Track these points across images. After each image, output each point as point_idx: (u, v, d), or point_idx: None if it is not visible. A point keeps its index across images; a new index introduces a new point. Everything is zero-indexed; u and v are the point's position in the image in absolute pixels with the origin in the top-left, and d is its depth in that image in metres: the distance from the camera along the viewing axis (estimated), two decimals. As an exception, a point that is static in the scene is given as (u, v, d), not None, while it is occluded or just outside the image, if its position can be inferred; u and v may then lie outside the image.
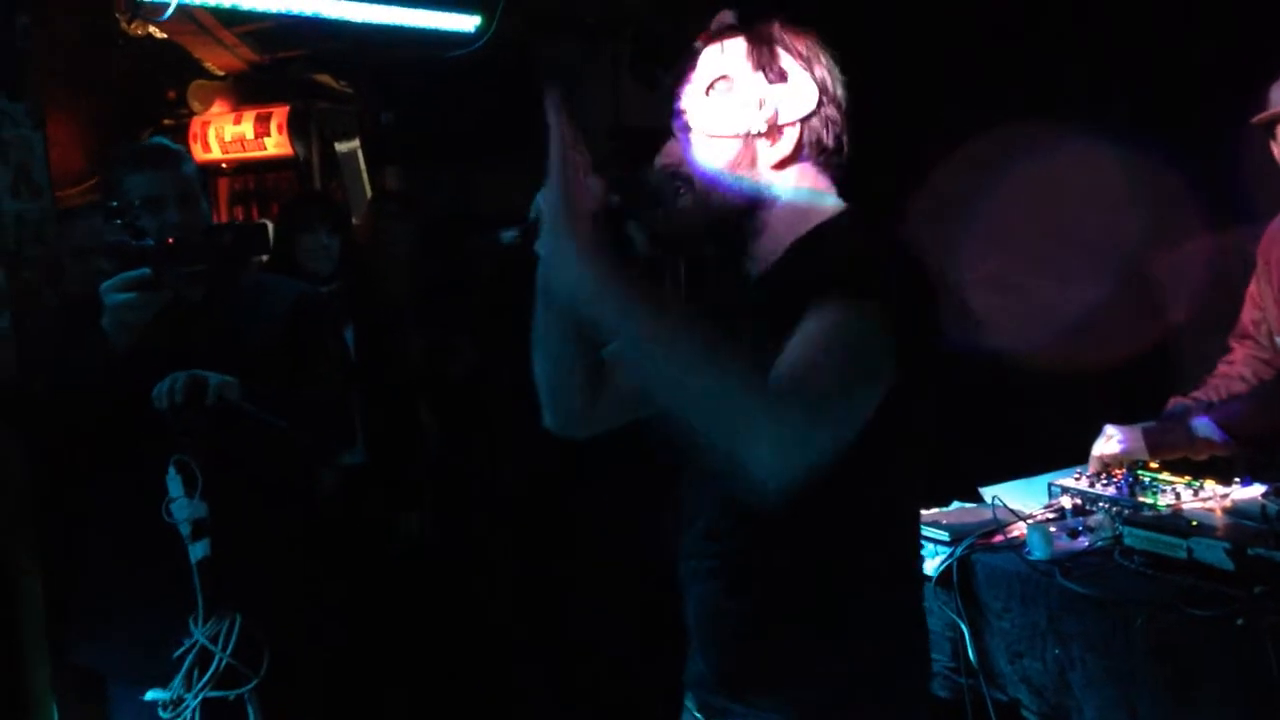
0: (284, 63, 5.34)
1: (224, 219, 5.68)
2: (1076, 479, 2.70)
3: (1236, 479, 2.53)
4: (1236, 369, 2.89)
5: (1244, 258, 3.00)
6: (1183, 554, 2.19)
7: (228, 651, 2.23)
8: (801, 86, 1.66)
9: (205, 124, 5.50)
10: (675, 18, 5.00)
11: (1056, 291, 3.79)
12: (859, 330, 1.46)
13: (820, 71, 1.67)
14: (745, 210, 1.68)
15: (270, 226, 2.80)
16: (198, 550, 2.22)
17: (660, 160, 1.72)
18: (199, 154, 5.55)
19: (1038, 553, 2.41)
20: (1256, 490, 2.43)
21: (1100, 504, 2.57)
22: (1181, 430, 2.63)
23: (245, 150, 5.45)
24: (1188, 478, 2.58)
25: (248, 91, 5.48)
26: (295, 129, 5.29)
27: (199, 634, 2.23)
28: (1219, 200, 3.36)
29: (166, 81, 5.42)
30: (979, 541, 2.51)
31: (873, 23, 4.36)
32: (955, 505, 2.78)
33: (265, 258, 3.28)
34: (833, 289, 1.49)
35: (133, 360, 2.31)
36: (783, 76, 1.66)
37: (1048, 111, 3.58)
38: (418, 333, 3.86)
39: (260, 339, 2.55)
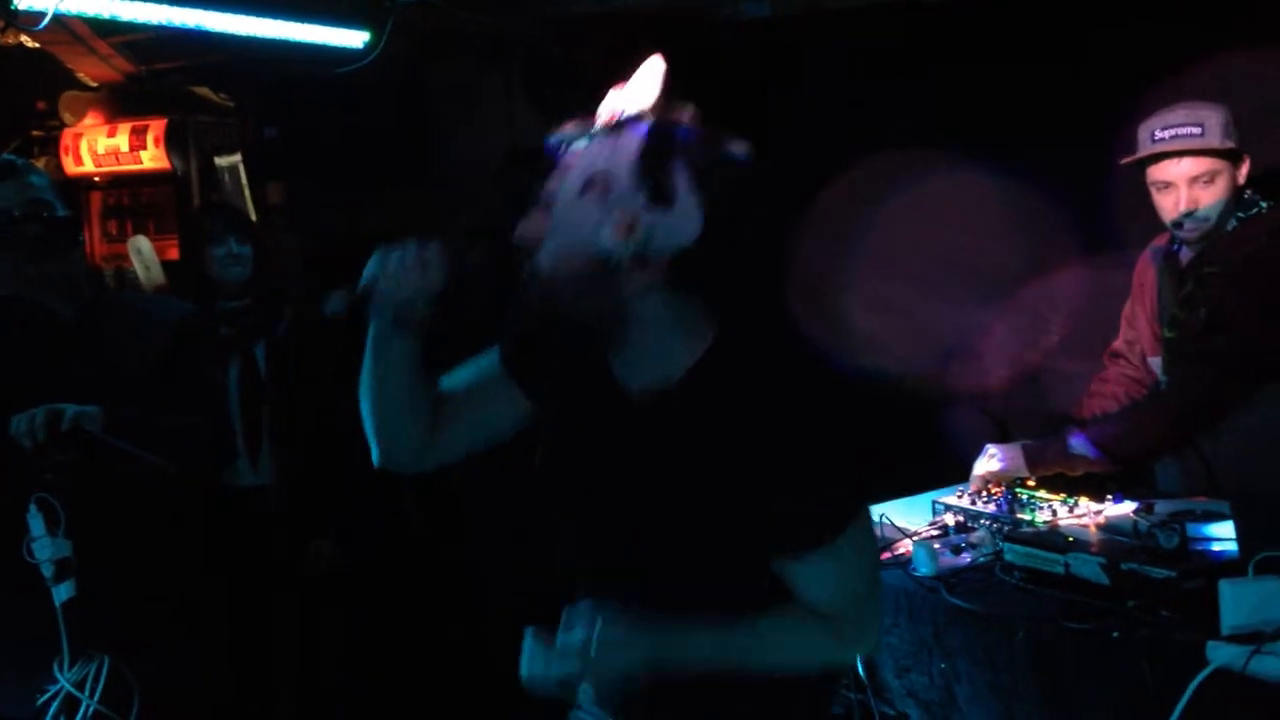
0: (161, 74, 5.20)
1: (96, 234, 5.50)
2: (959, 496, 2.77)
3: (1109, 496, 2.63)
4: (1109, 388, 3.01)
5: (1115, 284, 3.13)
6: (1060, 569, 2.25)
7: (95, 697, 2.14)
8: (687, 214, 1.45)
9: (77, 136, 5.32)
10: (567, 40, 5.04)
11: (938, 314, 3.90)
12: (862, 543, 1.54)
13: (713, 195, 1.47)
14: (599, 320, 1.51)
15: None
16: (61, 592, 2.14)
17: (522, 232, 1.51)
18: (70, 167, 5.37)
19: (923, 569, 2.46)
20: (1128, 507, 2.52)
21: (981, 521, 2.64)
22: (1059, 448, 2.72)
23: (120, 163, 5.28)
24: (1063, 495, 2.66)
25: (123, 103, 5.32)
26: (173, 142, 5.14)
27: (64, 680, 2.14)
28: (1092, 228, 3.49)
29: (36, 92, 5.24)
30: (867, 559, 2.56)
31: (756, 50, 4.46)
32: (843, 524, 2.82)
33: (154, 270, 3.16)
34: (817, 534, 1.48)
35: (3, 381, 2.22)
36: (668, 199, 1.45)
37: (929, 140, 3.68)
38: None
39: (138, 361, 2.47)
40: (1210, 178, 2.65)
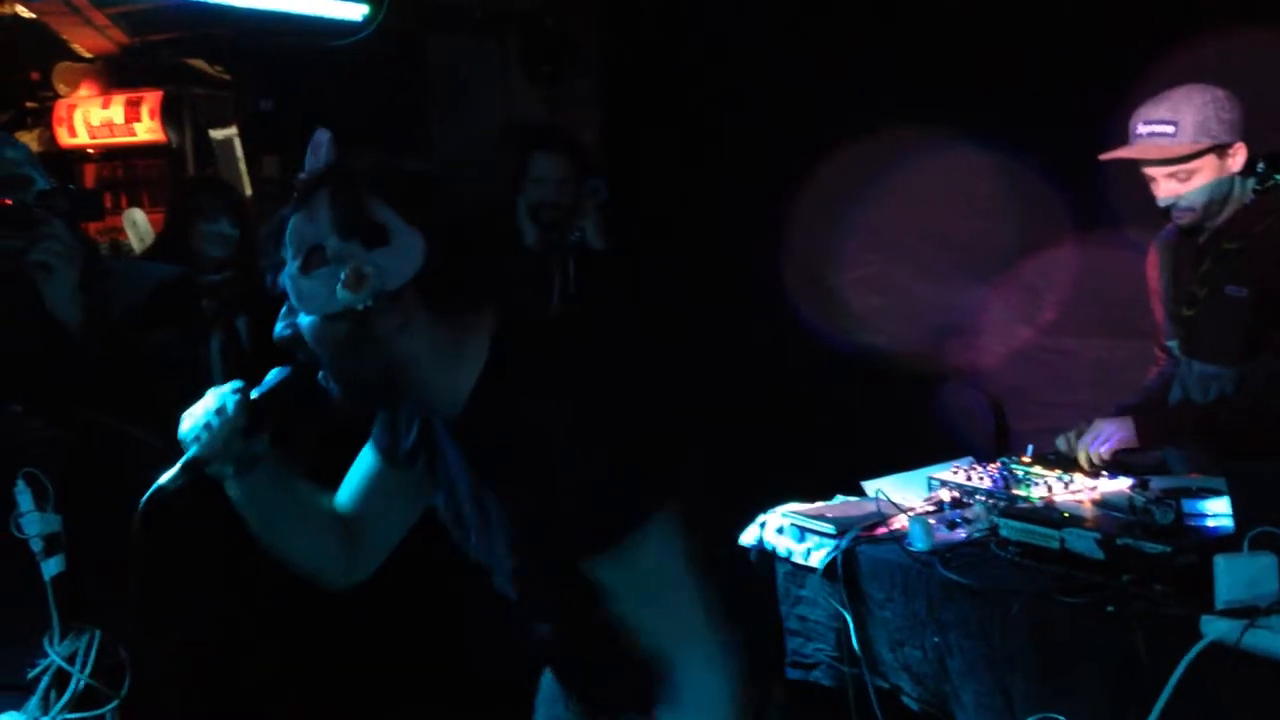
0: (157, 46, 5.17)
1: (91, 206, 5.48)
2: (954, 472, 2.78)
3: (1104, 471, 2.64)
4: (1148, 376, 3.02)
5: (1112, 261, 3.14)
6: (1055, 544, 2.27)
7: (85, 671, 2.14)
8: (407, 242, 1.46)
9: (71, 107, 5.28)
10: (563, 12, 5.02)
11: (933, 291, 3.90)
12: (671, 557, 1.50)
13: (428, 216, 1.48)
14: (385, 380, 1.53)
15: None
16: (51, 566, 2.12)
17: (280, 335, 1.55)
18: (64, 138, 5.34)
19: (918, 544, 2.47)
20: (1124, 483, 2.54)
21: (977, 497, 2.65)
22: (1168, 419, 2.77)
23: (114, 135, 5.25)
24: (1058, 470, 2.68)
25: (118, 75, 5.29)
26: (168, 115, 5.11)
27: (54, 654, 2.13)
28: (1086, 206, 3.50)
29: (30, 62, 5.20)
30: (863, 534, 2.57)
31: (752, 26, 4.44)
32: (839, 499, 2.84)
33: (149, 242, 3.15)
34: (606, 535, 1.47)
35: None
36: (382, 238, 1.45)
37: (926, 116, 3.67)
38: None
39: (120, 319, 2.45)
40: (1186, 174, 2.68)
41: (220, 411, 1.58)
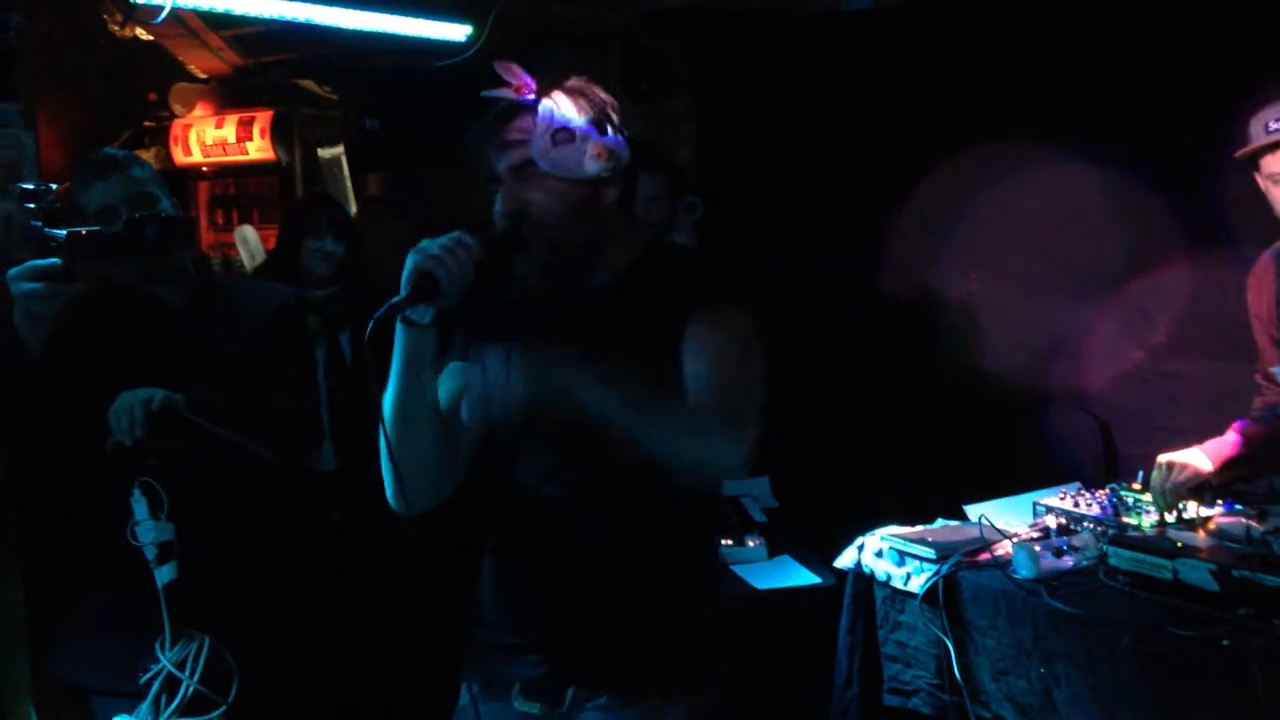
0: (267, 67, 5.32)
1: (204, 223, 5.65)
2: (1061, 498, 2.72)
3: (1218, 500, 2.56)
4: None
5: (1224, 282, 3.04)
6: (1168, 575, 2.20)
7: (194, 677, 2.19)
8: (619, 140, 1.88)
9: (186, 127, 5.47)
10: (660, 32, 5.04)
11: (1040, 312, 3.82)
12: (748, 339, 1.83)
13: (622, 127, 1.89)
14: (587, 242, 1.86)
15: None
16: (164, 574, 2.17)
17: (504, 206, 1.84)
18: (179, 157, 5.53)
19: (1023, 571, 2.42)
20: (1239, 513, 2.45)
21: (1085, 524, 2.59)
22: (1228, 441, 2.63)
23: (226, 154, 5.43)
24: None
25: (230, 95, 5.46)
26: (278, 134, 5.28)
27: (165, 659, 2.19)
28: (1200, 224, 3.39)
29: (148, 83, 5.40)
30: (965, 559, 2.53)
31: (843, 41, 4.42)
32: (940, 523, 2.79)
33: (259, 258, 3.23)
34: (710, 307, 1.82)
35: (117, 368, 2.29)
36: (608, 130, 1.86)
37: (1034, 132, 3.60)
38: None
39: (241, 347, 2.52)
40: None
41: (461, 241, 1.72)
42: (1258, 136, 2.65)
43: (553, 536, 1.86)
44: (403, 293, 1.70)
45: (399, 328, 1.77)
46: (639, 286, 1.88)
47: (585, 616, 1.84)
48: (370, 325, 1.66)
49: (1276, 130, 2.61)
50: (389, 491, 1.83)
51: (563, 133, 1.83)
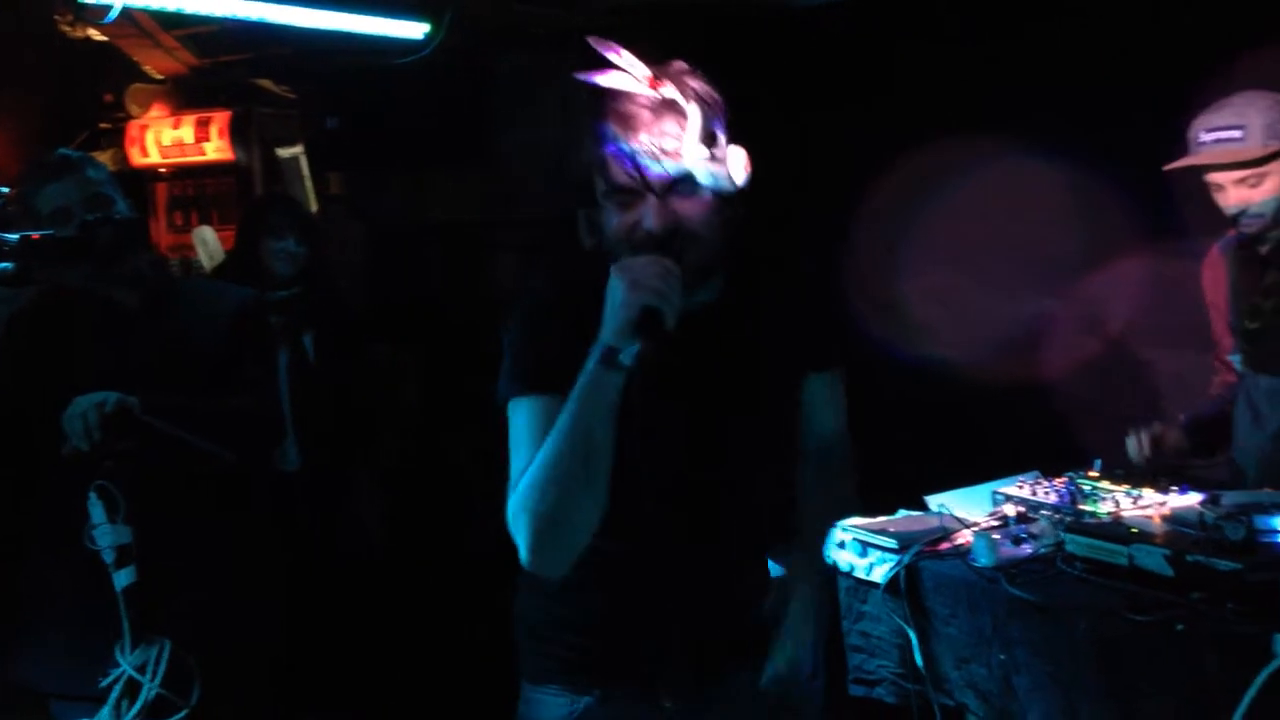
0: (225, 67, 5.28)
1: (162, 224, 5.60)
2: (1020, 487, 2.75)
3: (1173, 487, 2.60)
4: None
5: (1180, 271, 3.08)
6: (1124, 561, 2.23)
7: (155, 681, 2.18)
8: (735, 149, 1.73)
9: (143, 128, 5.42)
10: (625, 33, 5.05)
11: (998, 303, 3.86)
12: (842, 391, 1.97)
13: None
14: (715, 260, 1.71)
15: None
16: (122, 578, 2.17)
17: (654, 223, 1.63)
18: (136, 158, 5.48)
19: (983, 560, 2.45)
20: (1193, 498, 2.49)
21: (1043, 512, 2.62)
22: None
23: (184, 155, 5.38)
24: (1126, 485, 2.64)
25: (187, 96, 5.42)
26: (236, 134, 5.24)
27: (125, 663, 2.18)
28: (1154, 216, 3.44)
29: (103, 84, 5.34)
30: (926, 549, 2.55)
31: (809, 40, 4.44)
32: (902, 514, 2.82)
33: (218, 259, 3.21)
34: (830, 359, 1.91)
35: (73, 372, 2.27)
36: (733, 140, 1.73)
37: (989, 126, 3.64)
38: (373, 342, 3.83)
39: (200, 348, 2.50)
40: (1256, 180, 2.63)
41: (670, 269, 1.58)
42: (1190, 146, 2.72)
43: (678, 538, 1.77)
44: (613, 326, 1.55)
45: (597, 370, 1.57)
46: (738, 299, 1.78)
47: (718, 608, 1.86)
48: (622, 378, 1.56)
49: (1203, 144, 2.67)
50: (530, 552, 1.64)
51: (712, 138, 1.65)
